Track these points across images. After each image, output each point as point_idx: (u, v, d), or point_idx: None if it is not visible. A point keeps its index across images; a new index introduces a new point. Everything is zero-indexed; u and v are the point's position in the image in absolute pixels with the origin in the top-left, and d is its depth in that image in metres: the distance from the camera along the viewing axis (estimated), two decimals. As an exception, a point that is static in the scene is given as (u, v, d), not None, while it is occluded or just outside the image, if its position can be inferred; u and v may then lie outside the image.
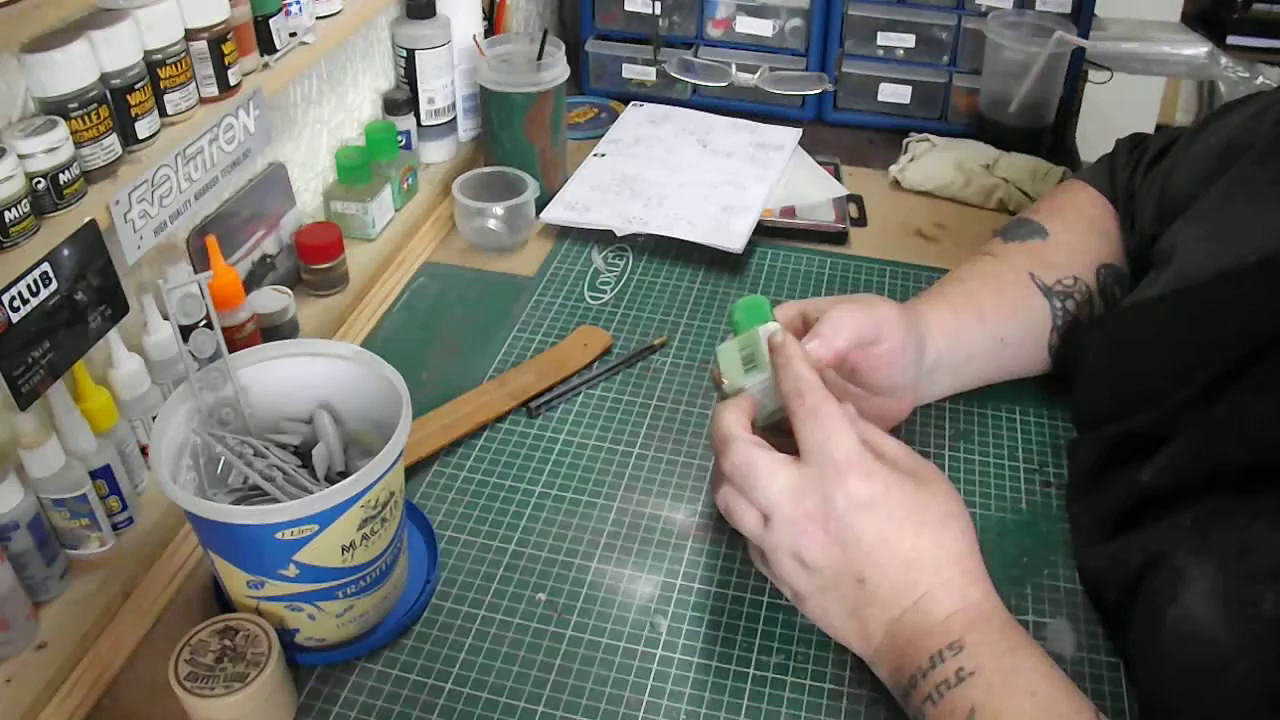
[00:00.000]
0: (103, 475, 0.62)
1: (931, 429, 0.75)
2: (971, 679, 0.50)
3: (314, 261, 0.86)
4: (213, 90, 0.68)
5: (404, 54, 0.99)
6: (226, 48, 0.68)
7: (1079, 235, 0.77)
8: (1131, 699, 0.57)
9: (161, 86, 0.64)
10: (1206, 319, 0.60)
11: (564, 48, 0.99)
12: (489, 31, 1.11)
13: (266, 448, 0.59)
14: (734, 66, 1.16)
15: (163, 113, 0.65)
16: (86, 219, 0.58)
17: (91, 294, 0.60)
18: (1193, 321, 0.60)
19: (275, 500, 0.57)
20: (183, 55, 0.64)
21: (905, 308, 0.68)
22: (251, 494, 0.59)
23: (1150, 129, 0.83)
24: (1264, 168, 0.63)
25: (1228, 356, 0.56)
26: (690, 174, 1.03)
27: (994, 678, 0.50)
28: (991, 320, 0.72)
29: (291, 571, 0.54)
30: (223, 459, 0.59)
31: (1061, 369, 0.75)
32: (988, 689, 0.49)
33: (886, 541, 0.53)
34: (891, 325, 0.64)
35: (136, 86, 0.61)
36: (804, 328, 0.63)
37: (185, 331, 0.62)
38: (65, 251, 0.57)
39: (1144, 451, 0.60)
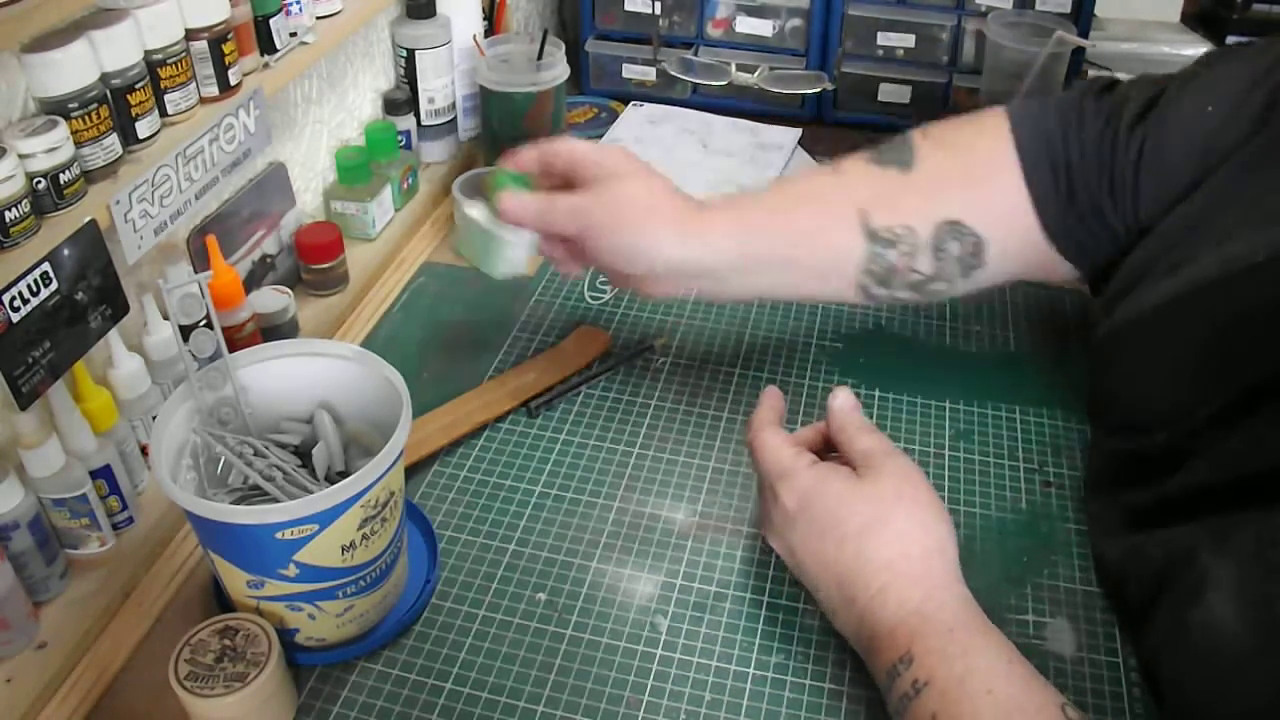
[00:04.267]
0: (103, 475, 0.62)
1: (931, 429, 0.75)
2: (927, 689, 0.50)
3: (314, 261, 0.86)
4: (213, 90, 0.68)
5: (404, 54, 0.99)
6: (227, 48, 0.68)
7: (942, 183, 0.68)
8: (1132, 699, 0.57)
9: (162, 86, 0.64)
10: (1213, 330, 0.58)
11: (564, 48, 0.99)
12: (489, 31, 1.11)
13: (266, 448, 0.59)
14: (734, 66, 1.16)
15: (163, 112, 0.65)
16: (87, 219, 0.58)
17: (91, 294, 0.60)
18: (1201, 333, 0.58)
19: (275, 500, 0.57)
20: (183, 55, 0.64)
21: (685, 212, 0.67)
22: (251, 494, 0.59)
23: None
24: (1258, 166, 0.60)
25: (1243, 375, 0.54)
26: (690, 174, 1.03)
27: (947, 685, 0.49)
28: (786, 245, 0.68)
29: (291, 571, 0.54)
30: (223, 459, 0.59)
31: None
32: (943, 697, 0.49)
33: (814, 553, 0.57)
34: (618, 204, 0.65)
35: (137, 86, 0.61)
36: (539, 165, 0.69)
37: (185, 331, 0.62)
38: (65, 251, 0.57)
39: (1166, 468, 0.59)
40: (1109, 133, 0.66)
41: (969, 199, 0.68)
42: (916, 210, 0.67)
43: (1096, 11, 1.10)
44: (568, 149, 0.69)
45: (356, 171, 0.92)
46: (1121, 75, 1.05)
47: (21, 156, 0.54)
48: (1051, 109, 0.69)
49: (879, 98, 1.17)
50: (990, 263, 0.68)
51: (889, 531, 0.55)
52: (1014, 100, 0.71)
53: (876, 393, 0.79)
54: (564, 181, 0.69)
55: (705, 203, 0.69)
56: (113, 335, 0.64)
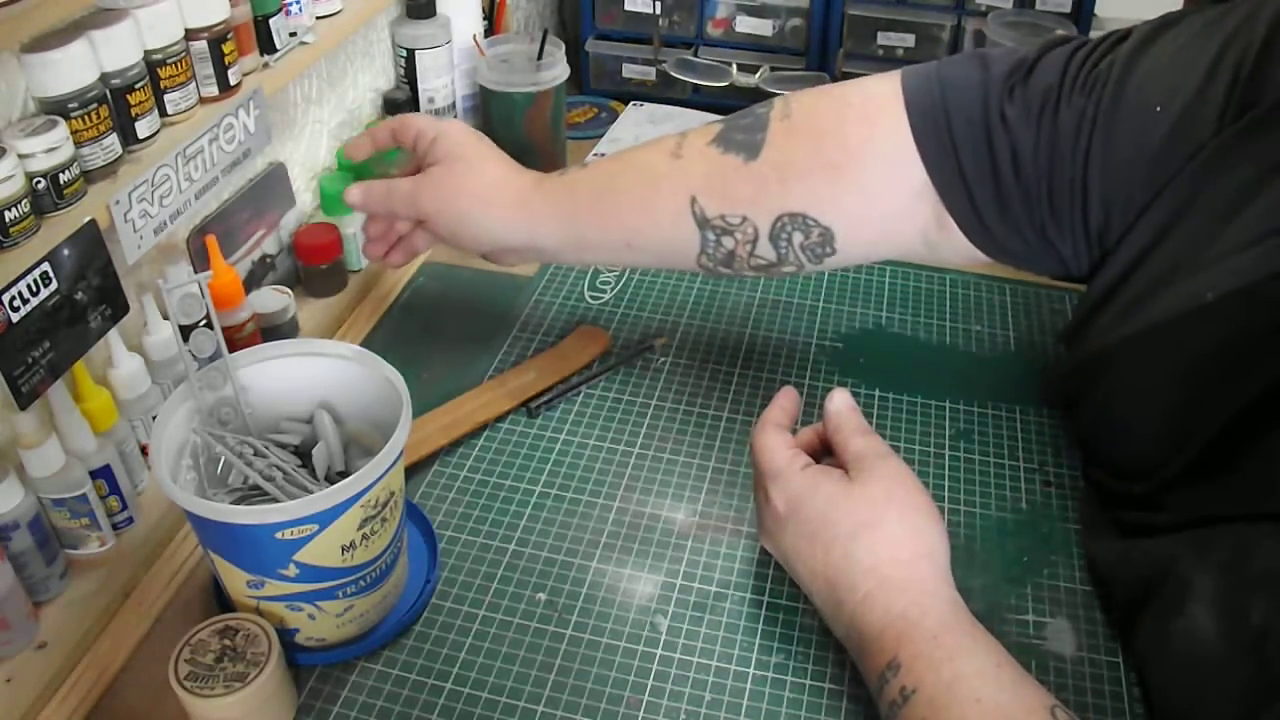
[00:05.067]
0: (103, 475, 0.62)
1: (932, 429, 0.75)
2: (915, 696, 0.49)
3: (313, 262, 0.85)
4: (213, 90, 0.68)
5: (404, 54, 0.99)
6: (226, 47, 0.68)
7: (786, 173, 0.64)
8: (1132, 699, 0.57)
9: (161, 86, 0.64)
10: (1172, 376, 0.56)
11: (564, 47, 0.99)
12: (489, 31, 1.11)
13: (266, 448, 0.59)
14: (734, 66, 1.16)
15: (163, 112, 0.65)
16: (86, 219, 0.58)
17: (91, 294, 0.60)
18: (1161, 379, 0.57)
19: (275, 500, 0.57)
20: (183, 55, 0.64)
21: (511, 198, 0.70)
22: (251, 494, 0.59)
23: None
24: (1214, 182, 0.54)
25: (1207, 423, 0.54)
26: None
27: (935, 692, 0.48)
28: (617, 229, 0.68)
29: (291, 571, 0.54)
30: (223, 459, 0.59)
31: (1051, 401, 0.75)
32: (931, 705, 0.48)
33: (804, 556, 0.56)
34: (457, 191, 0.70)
35: (136, 86, 0.61)
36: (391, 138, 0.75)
37: (185, 331, 0.62)
38: (65, 251, 0.57)
39: (1147, 507, 0.59)
40: (1044, 142, 0.59)
41: (817, 190, 0.63)
42: (753, 201, 0.64)
43: (1096, 11, 1.10)
44: (413, 125, 0.74)
45: (358, 171, 0.91)
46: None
47: (21, 156, 0.54)
48: (962, 94, 0.61)
49: (879, 98, 1.17)
50: (846, 249, 0.65)
51: (877, 535, 0.54)
52: (912, 71, 0.64)
53: (876, 393, 0.79)
54: (412, 153, 0.75)
55: (541, 182, 0.71)
56: (113, 335, 0.64)
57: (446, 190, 0.71)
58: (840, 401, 0.60)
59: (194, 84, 0.67)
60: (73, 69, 0.57)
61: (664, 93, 1.22)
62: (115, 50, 0.59)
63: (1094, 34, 1.11)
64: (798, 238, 0.64)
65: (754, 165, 0.64)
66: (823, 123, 0.64)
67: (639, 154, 0.69)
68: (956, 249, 0.65)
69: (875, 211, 0.64)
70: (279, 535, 0.52)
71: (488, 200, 0.70)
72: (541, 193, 0.70)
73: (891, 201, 0.64)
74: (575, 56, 1.17)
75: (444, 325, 0.86)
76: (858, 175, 0.63)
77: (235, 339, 0.74)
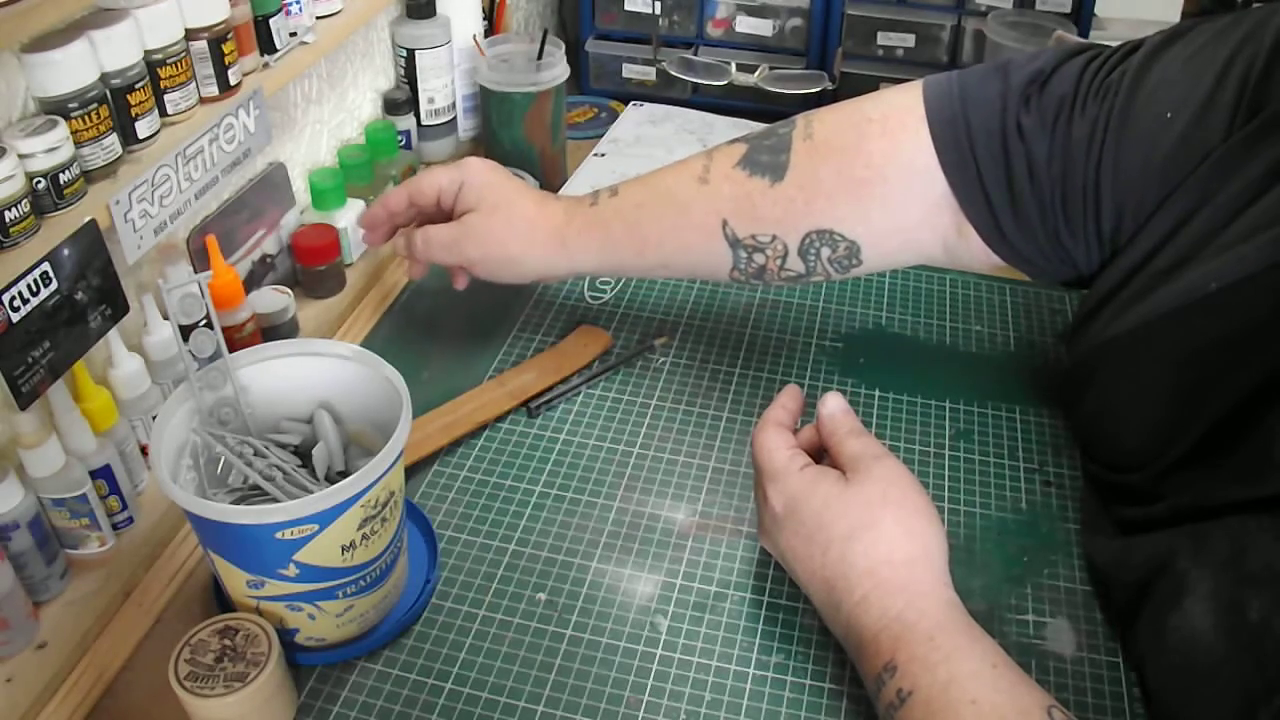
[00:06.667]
0: (103, 475, 0.62)
1: (932, 428, 0.75)
2: (911, 699, 0.49)
3: (311, 263, 0.85)
4: (213, 90, 0.68)
5: (404, 54, 0.99)
6: (226, 47, 0.68)
7: (812, 194, 0.66)
8: (1132, 699, 0.57)
9: (161, 86, 0.64)
10: (1173, 365, 0.56)
11: (564, 47, 0.99)
12: (489, 31, 1.11)
13: (266, 447, 0.59)
14: (734, 66, 1.16)
15: (163, 112, 0.65)
16: (86, 219, 0.58)
17: (91, 294, 0.60)
18: (1162, 369, 0.57)
19: (275, 500, 0.57)
20: (183, 55, 0.65)
21: (549, 236, 0.73)
22: (251, 494, 0.59)
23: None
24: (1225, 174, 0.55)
25: (1204, 413, 0.54)
26: (690, 174, 1.03)
27: (931, 694, 0.49)
28: (654, 254, 0.71)
29: (291, 571, 0.54)
30: (223, 459, 0.59)
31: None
32: (927, 706, 0.48)
33: (801, 557, 0.57)
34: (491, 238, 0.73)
35: (136, 86, 0.61)
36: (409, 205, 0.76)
37: (185, 331, 0.62)
38: (65, 251, 0.57)
39: (1145, 499, 0.59)
40: (1058, 151, 0.60)
41: (842, 208, 0.66)
42: (780, 221, 0.67)
43: (1096, 11, 1.10)
44: (429, 185, 0.75)
45: (358, 171, 0.92)
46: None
47: (21, 156, 0.54)
48: (982, 105, 0.62)
49: (879, 98, 1.17)
50: (871, 259, 0.67)
51: (873, 537, 0.54)
52: (933, 81, 0.66)
53: (876, 393, 0.79)
54: (437, 210, 0.76)
55: (573, 215, 0.73)
56: (113, 335, 0.64)
57: (488, 238, 0.73)
58: (833, 405, 0.60)
59: (194, 84, 0.67)
60: (73, 69, 0.57)
61: (664, 93, 1.22)
62: (115, 50, 0.59)
63: (1094, 34, 1.12)
64: (825, 252, 0.67)
65: (780, 187, 0.66)
66: (845, 140, 0.66)
67: (666, 179, 0.71)
68: (975, 255, 0.66)
69: (899, 223, 0.66)
70: (279, 535, 0.52)
71: (529, 241, 0.73)
72: (575, 227, 0.73)
73: (914, 212, 0.65)
74: (575, 56, 1.18)
75: (444, 325, 0.86)
76: (882, 190, 0.65)
77: (235, 339, 0.74)
